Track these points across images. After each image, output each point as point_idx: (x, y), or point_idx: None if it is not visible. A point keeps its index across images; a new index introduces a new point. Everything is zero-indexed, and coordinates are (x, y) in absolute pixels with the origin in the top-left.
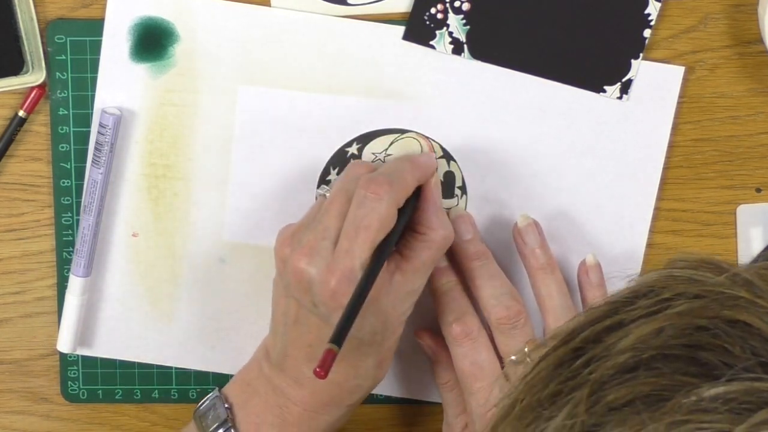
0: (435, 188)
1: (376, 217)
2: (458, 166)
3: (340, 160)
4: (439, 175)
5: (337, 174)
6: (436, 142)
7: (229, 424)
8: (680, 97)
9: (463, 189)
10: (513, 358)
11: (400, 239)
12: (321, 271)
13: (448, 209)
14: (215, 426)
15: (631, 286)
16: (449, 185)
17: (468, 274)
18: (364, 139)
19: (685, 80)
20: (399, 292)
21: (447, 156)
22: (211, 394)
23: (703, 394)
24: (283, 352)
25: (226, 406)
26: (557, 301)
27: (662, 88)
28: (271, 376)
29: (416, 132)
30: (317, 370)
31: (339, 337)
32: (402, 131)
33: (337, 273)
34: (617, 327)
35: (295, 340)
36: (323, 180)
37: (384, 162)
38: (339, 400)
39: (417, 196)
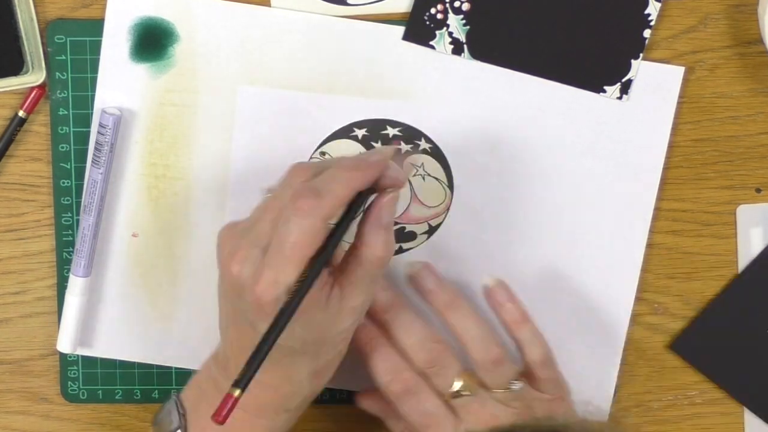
0: (385, 206)
1: (301, 233)
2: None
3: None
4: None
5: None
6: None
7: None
8: (680, 97)
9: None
10: (453, 389)
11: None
12: (249, 278)
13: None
14: None
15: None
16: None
17: (385, 326)
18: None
19: (685, 80)
20: (337, 308)
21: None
22: (167, 401)
23: None
24: (226, 354)
25: (181, 412)
26: (475, 333)
27: (662, 88)
28: (217, 377)
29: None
30: (215, 417)
31: (243, 380)
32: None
33: (261, 283)
34: None
35: (233, 341)
36: None
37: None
38: (277, 404)
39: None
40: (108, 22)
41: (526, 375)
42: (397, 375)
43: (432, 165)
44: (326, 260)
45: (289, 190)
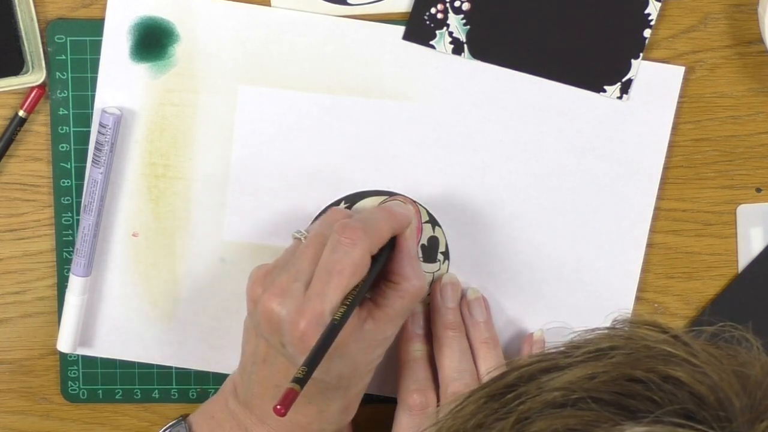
0: (410, 239)
1: (349, 262)
2: (443, 231)
3: None
4: (423, 240)
5: None
6: (423, 207)
7: None
8: (680, 97)
9: (446, 254)
10: None
11: (374, 288)
12: (291, 312)
13: (431, 273)
14: None
15: (570, 341)
16: (433, 250)
17: (439, 340)
18: (353, 198)
19: (685, 80)
20: (370, 340)
21: (432, 221)
22: (175, 421)
23: (625, 431)
24: (251, 391)
25: None
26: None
27: (662, 88)
28: (237, 413)
29: (403, 195)
30: (278, 407)
31: (303, 377)
32: (390, 194)
33: (307, 315)
34: (553, 369)
35: (263, 379)
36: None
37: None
38: None
39: (392, 246)
40: (108, 21)
41: None
42: (425, 390)
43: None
44: (364, 292)
45: (329, 227)
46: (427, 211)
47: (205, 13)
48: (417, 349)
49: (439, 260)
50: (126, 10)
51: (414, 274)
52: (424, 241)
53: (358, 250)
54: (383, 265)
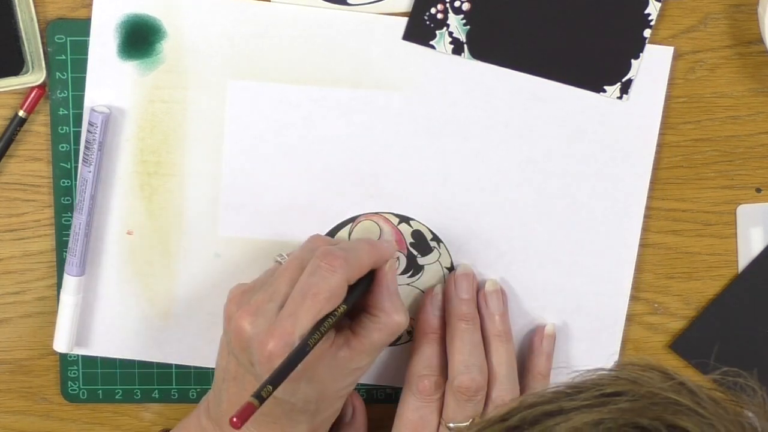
0: (389, 273)
1: (326, 287)
2: (419, 222)
3: None
4: (409, 239)
5: None
6: (389, 212)
7: None
8: (680, 96)
9: (437, 239)
10: (451, 425)
11: (354, 318)
12: (261, 331)
13: (435, 261)
14: None
15: (575, 381)
16: (422, 242)
17: (452, 331)
18: (334, 231)
19: (685, 80)
20: (342, 368)
21: (403, 219)
22: None
23: None
24: (220, 408)
25: None
26: (505, 371)
27: (653, 69)
28: (207, 429)
29: (366, 213)
30: (234, 419)
31: (264, 394)
32: (353, 218)
33: (276, 336)
34: (557, 413)
35: (232, 396)
36: None
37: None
38: None
39: (371, 279)
40: (95, 20)
41: None
42: (436, 375)
43: None
44: (339, 319)
45: (311, 252)
46: (395, 214)
47: (192, 8)
48: (431, 333)
49: (434, 247)
50: (112, 8)
51: (393, 308)
52: (410, 239)
53: (336, 277)
54: (360, 297)
